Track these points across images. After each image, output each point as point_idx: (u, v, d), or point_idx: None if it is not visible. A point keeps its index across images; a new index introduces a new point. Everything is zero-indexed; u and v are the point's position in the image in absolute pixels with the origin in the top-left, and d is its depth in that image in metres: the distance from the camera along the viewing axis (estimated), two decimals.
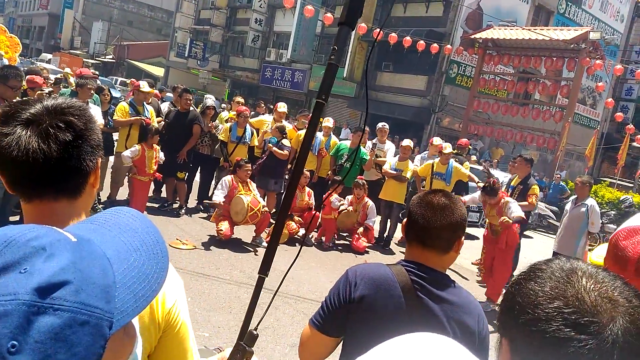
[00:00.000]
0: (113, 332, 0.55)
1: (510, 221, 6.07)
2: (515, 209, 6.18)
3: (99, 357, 0.52)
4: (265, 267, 1.52)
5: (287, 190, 1.71)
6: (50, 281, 0.51)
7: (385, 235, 8.35)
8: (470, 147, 11.78)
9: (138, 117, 7.26)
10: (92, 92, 6.83)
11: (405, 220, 1.74)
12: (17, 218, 5.91)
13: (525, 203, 7.01)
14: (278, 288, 1.41)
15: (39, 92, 6.31)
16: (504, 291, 0.90)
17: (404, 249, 8.17)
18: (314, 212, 7.65)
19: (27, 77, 6.68)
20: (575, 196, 6.99)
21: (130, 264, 0.63)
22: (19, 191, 0.97)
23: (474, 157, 13.82)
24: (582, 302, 0.72)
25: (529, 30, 18.00)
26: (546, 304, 0.74)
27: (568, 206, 7.19)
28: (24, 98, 5.47)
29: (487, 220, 6.82)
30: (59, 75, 12.55)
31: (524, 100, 20.63)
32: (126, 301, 0.60)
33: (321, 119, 9.04)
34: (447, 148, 8.27)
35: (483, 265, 6.98)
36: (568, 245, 6.76)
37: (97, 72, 22.77)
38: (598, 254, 1.59)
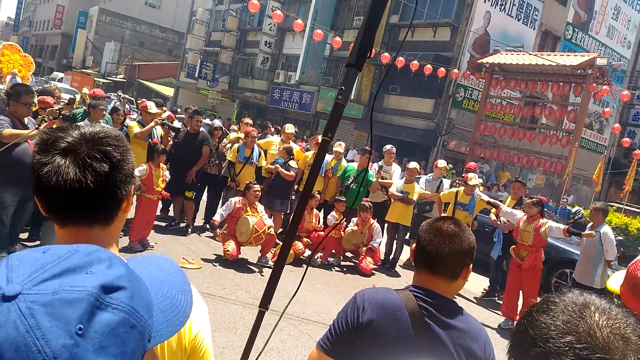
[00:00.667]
0: (149, 347, 0.62)
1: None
2: (557, 225, 6.67)
3: None
4: (266, 300, 1.56)
5: (294, 213, 1.76)
6: (112, 283, 0.59)
7: (391, 257, 8.35)
8: (477, 170, 11.77)
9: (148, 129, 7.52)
10: (105, 112, 6.95)
11: (413, 245, 1.75)
12: (26, 235, 6.00)
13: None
14: (284, 311, 1.46)
15: (50, 109, 6.42)
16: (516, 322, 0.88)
17: (410, 271, 8.21)
18: (321, 233, 7.71)
19: (39, 97, 6.81)
20: (591, 223, 6.90)
21: (163, 294, 0.72)
22: (54, 216, 1.00)
23: (480, 181, 13.77)
24: (594, 339, 0.72)
25: (536, 55, 18.15)
26: (558, 339, 0.74)
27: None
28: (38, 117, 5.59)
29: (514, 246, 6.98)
30: (72, 96, 12.72)
31: (531, 124, 20.69)
32: (160, 324, 0.68)
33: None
34: (473, 180, 8.02)
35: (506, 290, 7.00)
36: (585, 274, 6.59)
37: (108, 94, 23.06)
38: (615, 280, 1.59)
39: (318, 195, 8.08)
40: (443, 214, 8.12)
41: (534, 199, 6.97)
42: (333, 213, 8.02)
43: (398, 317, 1.58)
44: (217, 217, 6.93)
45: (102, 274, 0.60)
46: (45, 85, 14.74)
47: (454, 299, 1.68)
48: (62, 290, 0.57)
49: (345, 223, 7.96)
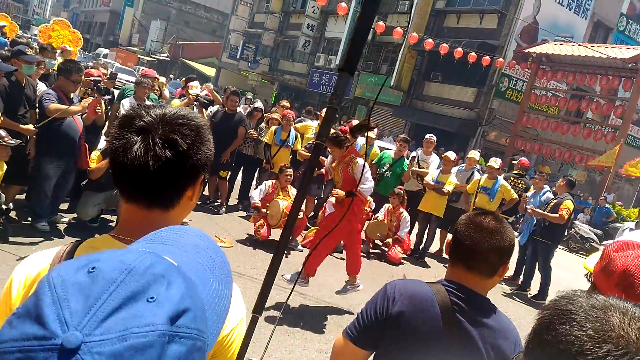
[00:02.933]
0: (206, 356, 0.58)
1: None
2: None
3: None
4: (260, 307, 1.54)
5: (295, 199, 1.78)
6: (176, 310, 0.52)
7: (421, 247, 8.29)
8: (514, 162, 11.43)
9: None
10: (148, 91, 7.05)
11: (449, 238, 1.72)
12: (66, 206, 6.22)
13: (556, 215, 7.23)
14: (290, 294, 1.46)
15: (85, 80, 6.49)
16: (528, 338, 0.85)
17: (439, 263, 8.14)
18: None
19: (86, 70, 7.01)
20: (637, 221, 6.70)
21: (210, 287, 0.67)
22: (120, 190, 1.05)
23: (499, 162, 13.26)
24: (628, 342, 0.71)
25: (586, 46, 17.50)
26: (596, 350, 0.72)
27: (627, 232, 6.98)
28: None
29: None
30: (114, 70, 12.92)
31: (576, 118, 20.04)
32: (212, 323, 0.63)
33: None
34: (495, 163, 8.10)
35: None
36: None
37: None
38: (592, 260, 1.56)
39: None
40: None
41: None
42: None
43: (429, 311, 1.56)
44: (256, 201, 6.98)
45: (167, 301, 0.52)
46: (94, 61, 15.11)
47: (487, 296, 1.64)
48: (131, 334, 0.48)
49: (370, 210, 7.87)
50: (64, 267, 0.55)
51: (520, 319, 6.22)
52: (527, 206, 7.62)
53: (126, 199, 1.04)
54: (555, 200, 7.42)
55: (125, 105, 6.75)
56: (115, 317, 0.49)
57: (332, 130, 8.73)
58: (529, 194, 8.14)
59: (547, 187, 8.07)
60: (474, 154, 8.78)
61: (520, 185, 8.47)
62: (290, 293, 1.52)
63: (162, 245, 0.70)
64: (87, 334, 0.47)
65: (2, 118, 4.62)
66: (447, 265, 6.18)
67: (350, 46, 1.73)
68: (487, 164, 8.34)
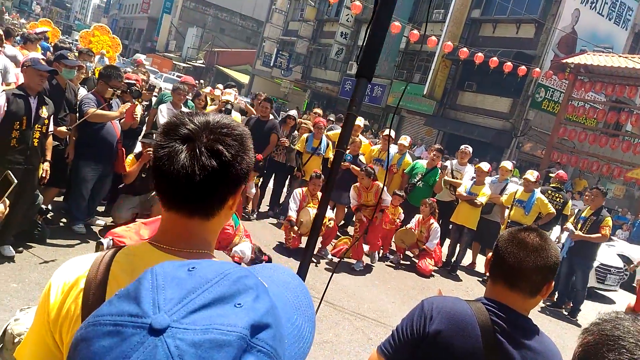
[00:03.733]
0: None
1: None
2: None
3: None
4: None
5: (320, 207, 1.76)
6: (260, 321, 0.54)
7: (453, 260, 8.15)
8: (551, 175, 11.10)
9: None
10: (184, 97, 7.14)
11: (490, 255, 1.65)
12: (102, 209, 6.34)
13: (599, 235, 7.11)
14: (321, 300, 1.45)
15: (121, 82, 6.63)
16: None
17: (471, 276, 8.00)
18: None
19: (125, 74, 7.17)
20: None
21: (293, 322, 0.68)
22: (161, 198, 1.04)
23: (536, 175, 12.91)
24: None
25: (626, 57, 17.02)
26: None
27: None
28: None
29: None
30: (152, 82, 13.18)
31: (615, 130, 19.48)
32: (289, 356, 0.64)
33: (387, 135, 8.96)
34: (531, 175, 7.91)
35: None
36: None
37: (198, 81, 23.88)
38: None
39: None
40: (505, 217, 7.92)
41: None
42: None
43: (468, 330, 1.50)
44: (292, 214, 6.89)
45: (252, 310, 0.55)
46: (133, 68, 15.46)
47: (529, 316, 1.58)
48: (213, 329, 0.51)
49: (398, 220, 7.83)
50: (167, 263, 0.61)
51: (556, 337, 6.05)
52: (570, 227, 7.43)
53: (167, 207, 1.04)
54: (594, 218, 7.21)
55: (163, 110, 6.86)
56: (203, 312, 0.53)
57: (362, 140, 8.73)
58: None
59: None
60: (507, 165, 8.60)
61: (558, 199, 8.23)
62: (322, 297, 1.50)
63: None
64: (174, 320, 0.51)
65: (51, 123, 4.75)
66: (480, 279, 6.11)
67: (366, 52, 1.72)
68: (524, 177, 8.17)
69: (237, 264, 0.81)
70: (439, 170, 8.39)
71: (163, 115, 6.83)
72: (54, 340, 1.00)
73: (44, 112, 4.58)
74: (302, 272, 1.71)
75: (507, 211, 7.97)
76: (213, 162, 0.97)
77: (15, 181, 1.81)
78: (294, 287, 0.76)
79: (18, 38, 9.83)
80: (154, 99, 8.15)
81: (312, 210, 6.83)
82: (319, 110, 10.23)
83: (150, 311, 0.52)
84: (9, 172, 1.85)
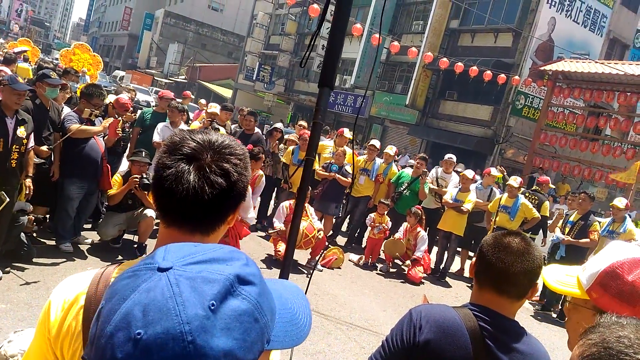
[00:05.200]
0: (266, 348, 0.68)
1: None
2: None
3: (255, 358, 0.65)
4: None
5: (293, 220, 1.79)
6: (245, 276, 0.67)
7: (441, 267, 8.20)
8: (549, 185, 11.21)
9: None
10: (178, 114, 7.04)
11: (474, 260, 1.66)
12: (89, 226, 6.28)
13: (587, 240, 7.23)
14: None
15: (127, 115, 6.71)
16: None
17: (460, 282, 8.05)
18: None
19: (116, 97, 7.09)
20: None
21: (286, 308, 0.79)
22: (163, 216, 1.05)
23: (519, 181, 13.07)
24: None
25: (602, 63, 17.39)
26: None
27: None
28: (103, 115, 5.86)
29: None
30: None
31: (594, 135, 19.82)
32: (279, 331, 0.73)
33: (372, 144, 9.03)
34: (514, 181, 8.03)
35: None
36: None
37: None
38: (555, 273, 1.40)
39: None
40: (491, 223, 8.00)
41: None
42: (371, 214, 8.02)
43: (458, 337, 1.50)
44: (279, 225, 6.90)
45: (239, 268, 0.67)
46: (120, 85, 15.38)
47: (516, 319, 1.60)
48: (205, 271, 0.65)
49: (387, 228, 7.90)
50: (179, 243, 0.74)
51: (545, 340, 6.10)
52: (559, 235, 7.51)
53: (168, 224, 1.04)
54: (582, 223, 7.33)
55: (159, 129, 6.82)
56: (200, 265, 0.66)
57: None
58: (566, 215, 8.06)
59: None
60: (494, 171, 8.73)
61: (534, 201, 8.40)
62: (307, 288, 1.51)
63: None
64: (177, 266, 0.66)
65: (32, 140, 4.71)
66: (469, 285, 6.15)
67: (326, 62, 1.77)
68: (507, 183, 8.29)
69: None
70: (422, 178, 8.47)
71: (159, 133, 6.79)
72: (55, 356, 1.00)
73: (22, 132, 4.51)
74: (285, 270, 1.75)
75: (492, 216, 8.06)
76: (221, 180, 0.99)
77: (7, 199, 1.81)
78: (294, 290, 0.85)
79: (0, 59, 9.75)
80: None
81: (302, 223, 6.82)
82: (304, 123, 10.27)
83: (160, 260, 0.67)
84: (2, 192, 1.85)
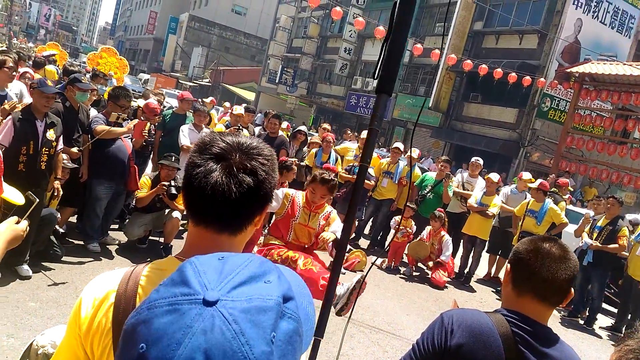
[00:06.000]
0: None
1: None
2: None
3: None
4: (321, 330, 1.52)
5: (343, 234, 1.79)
6: (287, 294, 0.64)
7: (466, 272, 8.12)
8: (568, 187, 11.11)
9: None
10: (205, 117, 7.13)
11: (509, 267, 1.64)
12: (117, 226, 6.39)
13: (615, 246, 7.07)
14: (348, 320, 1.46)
15: (156, 118, 6.83)
16: None
17: (485, 287, 7.96)
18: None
19: (145, 102, 7.19)
20: None
21: (301, 304, 0.74)
22: (191, 214, 1.06)
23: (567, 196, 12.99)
24: None
25: (631, 65, 17.04)
26: None
27: None
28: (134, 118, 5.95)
29: None
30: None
31: (622, 138, 19.42)
32: (305, 334, 0.71)
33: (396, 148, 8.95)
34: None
35: None
36: None
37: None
38: None
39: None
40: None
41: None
42: (396, 217, 7.98)
43: (490, 342, 1.49)
44: None
45: (280, 285, 0.64)
46: (148, 89, 15.60)
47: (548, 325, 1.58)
48: (256, 299, 0.60)
49: (411, 232, 7.86)
50: (199, 256, 0.69)
51: (572, 346, 5.99)
52: (587, 240, 7.37)
53: (196, 223, 1.06)
54: (610, 228, 7.18)
55: (184, 131, 6.91)
56: (242, 288, 0.62)
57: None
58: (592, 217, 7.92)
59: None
60: (527, 175, 8.60)
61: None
62: (353, 307, 1.52)
63: None
64: (222, 294, 0.60)
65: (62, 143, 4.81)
66: (493, 290, 6.06)
67: (385, 67, 1.75)
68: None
69: None
70: (446, 181, 8.40)
71: (184, 135, 6.86)
72: (84, 353, 1.02)
73: (52, 135, 4.59)
74: (331, 288, 1.74)
75: (518, 221, 7.95)
76: (249, 179, 1.00)
77: (37, 200, 1.85)
78: (294, 278, 0.83)
79: (30, 62, 9.98)
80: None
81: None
82: (327, 125, 10.29)
83: (200, 289, 0.61)
84: (30, 192, 1.89)
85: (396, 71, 1.76)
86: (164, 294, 0.62)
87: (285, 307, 0.62)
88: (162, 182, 5.70)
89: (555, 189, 8.94)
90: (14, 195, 1.89)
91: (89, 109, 6.17)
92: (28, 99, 6.34)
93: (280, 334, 0.60)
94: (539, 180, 8.16)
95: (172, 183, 5.69)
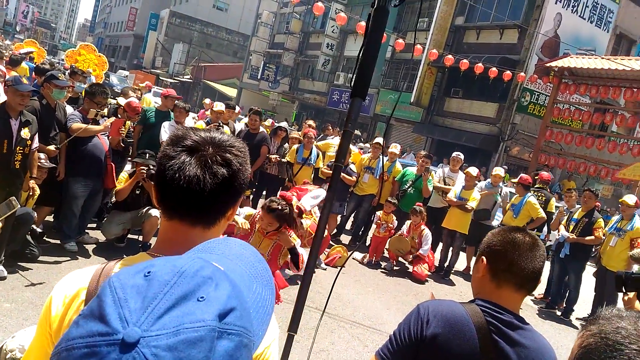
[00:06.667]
0: (252, 355, 0.61)
1: None
2: None
3: None
4: (294, 325, 1.54)
5: (317, 229, 1.81)
6: (224, 308, 0.57)
7: (445, 265, 8.20)
8: (536, 177, 11.22)
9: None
10: (184, 113, 7.11)
11: (484, 259, 1.66)
12: (94, 226, 6.32)
13: (592, 237, 7.23)
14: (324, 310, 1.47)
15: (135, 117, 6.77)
16: None
17: (464, 280, 8.03)
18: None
19: (127, 101, 7.12)
20: None
21: (254, 291, 0.71)
22: (164, 208, 1.06)
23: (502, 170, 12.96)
24: None
25: (609, 59, 17.29)
26: None
27: None
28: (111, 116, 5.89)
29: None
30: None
31: (600, 132, 19.73)
32: (258, 324, 0.67)
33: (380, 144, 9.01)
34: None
35: None
36: None
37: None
38: None
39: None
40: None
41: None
42: (378, 212, 8.02)
43: (465, 332, 1.53)
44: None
45: (215, 300, 0.57)
46: (126, 86, 15.44)
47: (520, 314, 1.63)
48: (184, 329, 0.53)
49: (392, 227, 7.91)
50: (122, 272, 0.61)
51: (550, 337, 6.08)
52: (564, 233, 7.48)
53: (169, 216, 1.06)
54: (586, 220, 7.31)
55: (166, 127, 6.85)
56: (170, 314, 0.54)
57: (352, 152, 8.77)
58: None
59: (578, 205, 7.98)
60: (499, 171, 8.69)
61: (540, 197, 8.37)
62: (324, 311, 1.53)
63: (209, 254, 0.76)
64: (145, 329, 0.52)
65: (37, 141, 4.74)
66: None
67: (359, 72, 1.77)
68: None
69: None
70: (425, 174, 8.44)
71: (166, 131, 6.82)
72: None
73: (26, 133, 4.53)
74: (306, 283, 1.76)
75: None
76: (223, 170, 1.01)
77: (18, 206, 1.83)
78: (248, 256, 0.78)
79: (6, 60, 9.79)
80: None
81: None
82: (311, 122, 10.31)
83: (119, 327, 0.53)
84: (14, 198, 1.86)
85: (370, 76, 1.78)
86: (81, 332, 0.55)
87: (223, 324, 0.55)
88: (140, 168, 5.66)
89: (540, 185, 8.99)
90: None
91: (65, 107, 6.09)
92: (2, 97, 6.26)
93: (218, 356, 0.53)
94: (520, 175, 8.25)
95: (150, 167, 5.66)
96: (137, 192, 5.81)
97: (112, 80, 25.76)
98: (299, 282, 5.93)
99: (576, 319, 7.53)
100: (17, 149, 4.47)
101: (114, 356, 0.51)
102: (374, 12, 1.74)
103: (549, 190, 9.59)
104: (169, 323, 0.53)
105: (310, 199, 6.33)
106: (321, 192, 6.50)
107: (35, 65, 9.85)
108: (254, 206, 8.44)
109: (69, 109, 6.08)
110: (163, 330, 0.52)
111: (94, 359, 0.52)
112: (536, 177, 9.85)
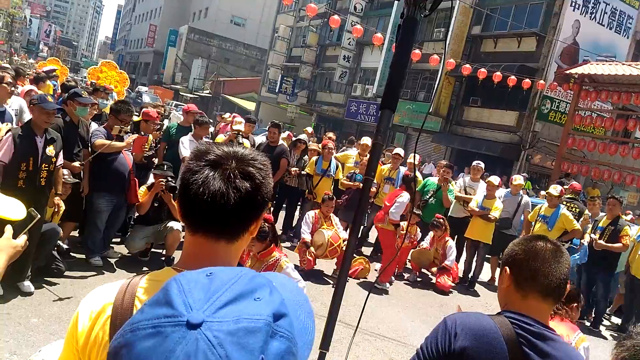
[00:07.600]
0: None
1: None
2: None
3: None
4: (326, 342, 1.52)
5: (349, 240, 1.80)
6: (278, 311, 0.61)
7: (470, 276, 8.09)
8: (565, 186, 11.04)
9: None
10: (207, 129, 7.16)
11: (508, 270, 1.63)
12: (118, 240, 6.39)
13: (620, 245, 7.03)
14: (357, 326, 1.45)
15: (152, 126, 6.86)
16: None
17: (489, 291, 7.91)
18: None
19: (143, 110, 7.24)
20: None
21: (297, 317, 0.73)
22: (189, 222, 1.06)
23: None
24: None
25: (630, 65, 17.04)
26: None
27: None
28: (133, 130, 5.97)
29: None
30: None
31: (624, 138, 19.40)
32: (301, 349, 0.68)
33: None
34: (554, 190, 7.77)
35: None
36: None
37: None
38: None
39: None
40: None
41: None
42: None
43: (494, 345, 1.50)
44: (306, 236, 6.87)
45: (270, 302, 0.62)
46: (150, 102, 15.70)
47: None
48: (243, 319, 0.58)
49: (416, 239, 7.82)
50: (187, 273, 0.67)
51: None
52: (592, 237, 7.32)
53: (193, 231, 1.05)
54: (612, 228, 7.15)
55: (184, 142, 6.92)
56: (230, 307, 0.59)
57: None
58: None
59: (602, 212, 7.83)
60: (519, 179, 8.57)
61: (574, 209, 8.17)
62: (357, 326, 1.50)
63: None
64: (207, 315, 0.58)
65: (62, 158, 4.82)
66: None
67: (388, 85, 1.76)
68: (547, 191, 8.10)
69: None
70: (447, 185, 8.36)
71: (184, 146, 6.88)
72: None
73: (51, 151, 4.60)
74: (338, 296, 1.74)
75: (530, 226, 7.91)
76: (246, 184, 1.01)
77: (39, 216, 1.85)
78: (291, 287, 0.81)
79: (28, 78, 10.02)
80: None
81: (327, 232, 6.83)
82: (332, 135, 10.32)
83: (184, 310, 0.58)
84: (32, 208, 1.88)
85: (400, 88, 1.78)
86: (147, 315, 0.60)
87: (276, 325, 0.59)
88: (160, 179, 5.73)
89: (572, 195, 8.76)
90: (11, 210, 1.88)
91: (90, 124, 6.20)
92: (28, 116, 6.38)
93: (270, 355, 0.57)
94: (559, 187, 8.05)
95: (169, 179, 5.75)
96: (157, 205, 5.87)
97: (144, 98, 26.08)
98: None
99: (606, 329, 7.36)
100: (43, 166, 4.54)
101: (178, 335, 0.56)
102: (403, 23, 1.73)
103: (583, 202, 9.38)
104: (229, 314, 0.58)
105: (396, 208, 6.97)
106: (402, 198, 7.04)
107: (61, 83, 10.05)
108: (275, 218, 8.46)
109: (94, 126, 6.18)
110: (224, 318, 0.58)
111: (159, 338, 0.56)
112: (565, 188, 9.60)
